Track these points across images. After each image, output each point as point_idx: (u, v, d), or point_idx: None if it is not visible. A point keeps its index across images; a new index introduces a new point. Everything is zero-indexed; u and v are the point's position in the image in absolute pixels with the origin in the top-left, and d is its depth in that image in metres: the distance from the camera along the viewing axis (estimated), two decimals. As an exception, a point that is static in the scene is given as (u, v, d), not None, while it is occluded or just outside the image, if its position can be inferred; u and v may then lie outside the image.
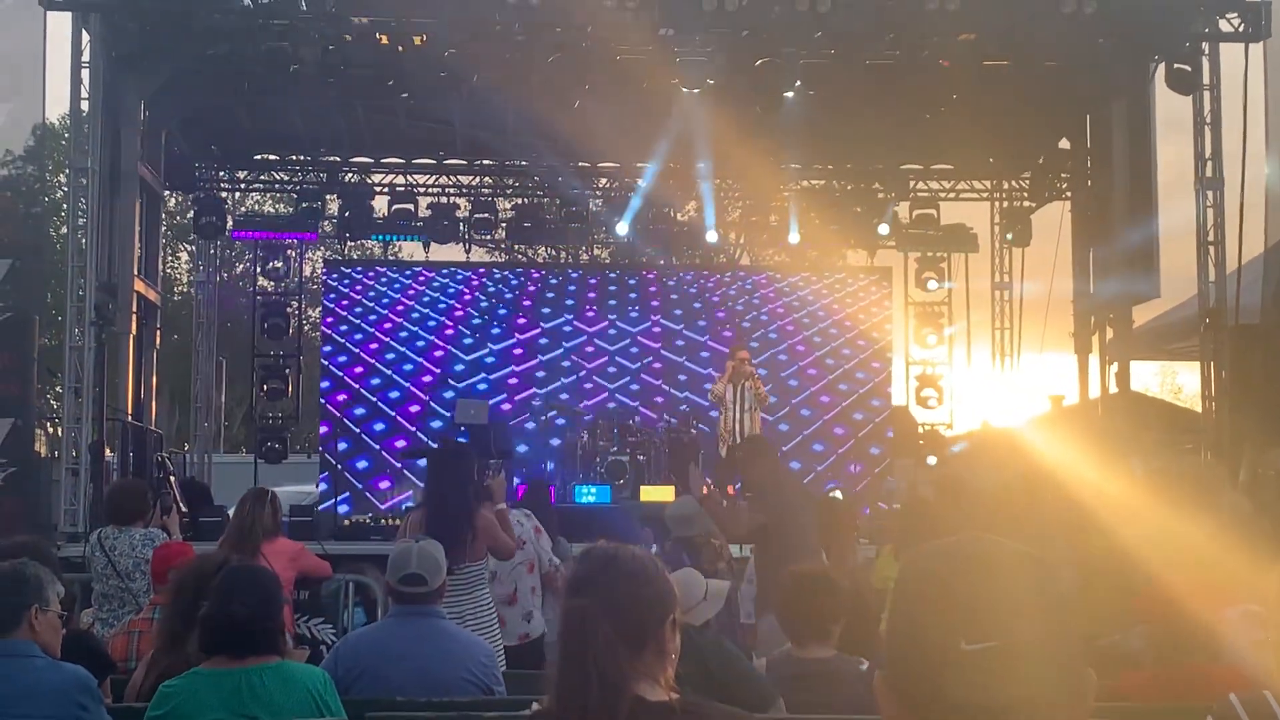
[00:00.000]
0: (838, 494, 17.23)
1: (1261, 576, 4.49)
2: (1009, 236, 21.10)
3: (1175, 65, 15.34)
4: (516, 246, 29.22)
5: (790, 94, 15.77)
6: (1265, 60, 14.49)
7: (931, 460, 18.53)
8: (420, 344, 20.76)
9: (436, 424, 19.72)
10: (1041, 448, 15.22)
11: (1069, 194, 19.56)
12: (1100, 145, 17.91)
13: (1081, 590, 6.74)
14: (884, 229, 20.57)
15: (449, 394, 19.91)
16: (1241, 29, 14.94)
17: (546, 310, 21.12)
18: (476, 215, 21.24)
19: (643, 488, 16.29)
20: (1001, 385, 21.65)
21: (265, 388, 20.69)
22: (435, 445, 16.58)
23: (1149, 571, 6.29)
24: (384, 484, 19.75)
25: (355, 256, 31.91)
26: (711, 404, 16.55)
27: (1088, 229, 18.61)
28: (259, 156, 21.72)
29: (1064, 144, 19.63)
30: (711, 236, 21.83)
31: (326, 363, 20.86)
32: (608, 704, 2.72)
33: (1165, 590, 5.65)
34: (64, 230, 20.46)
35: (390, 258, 27.28)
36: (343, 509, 18.67)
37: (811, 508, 9.04)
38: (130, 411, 16.31)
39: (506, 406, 19.93)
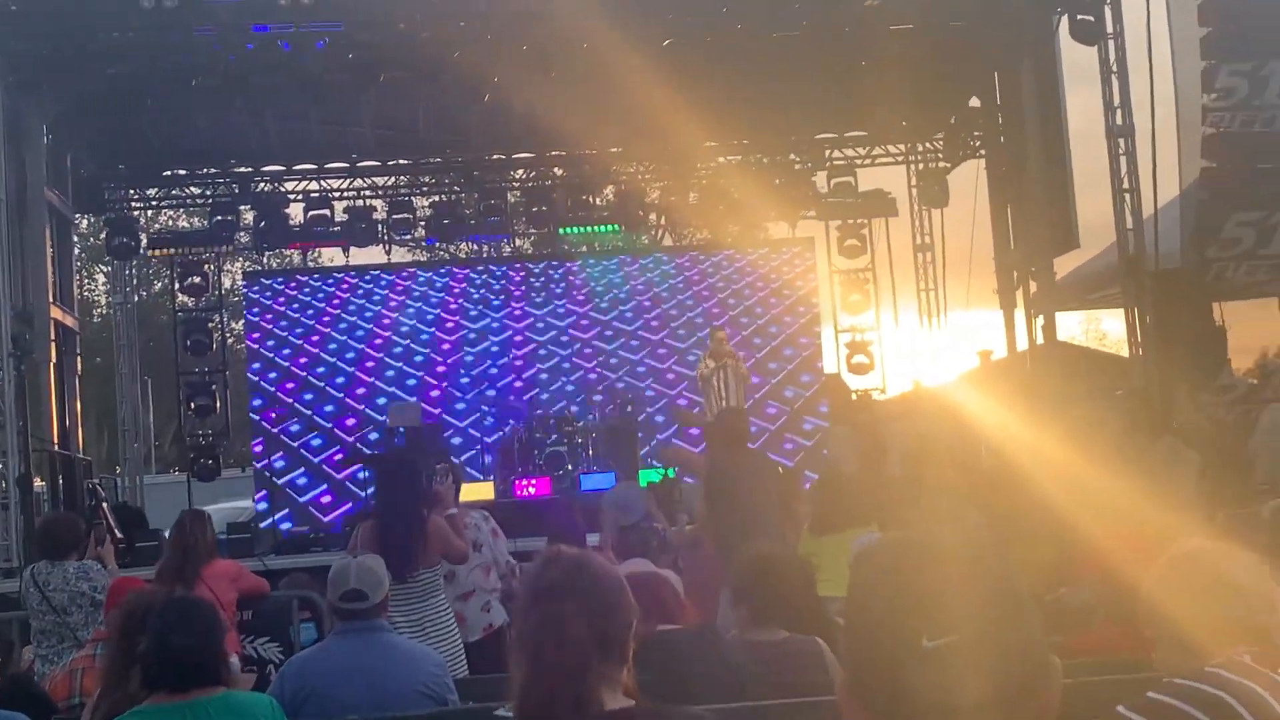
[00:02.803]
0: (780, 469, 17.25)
1: (1189, 528, 4.51)
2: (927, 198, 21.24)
3: (1078, 16, 15.46)
4: (438, 244, 29.01)
5: (667, 42, 15.63)
6: (1167, 4, 14.58)
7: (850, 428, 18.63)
8: (350, 355, 20.62)
9: (374, 435, 19.57)
10: (973, 404, 15.32)
11: (983, 152, 19.68)
12: (1010, 101, 18.01)
13: (1025, 545, 6.77)
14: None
15: (382, 401, 19.78)
16: (1141, -25, 15.05)
17: (472, 309, 21.02)
18: (394, 215, 21.04)
19: (582, 476, 16.25)
20: (930, 345, 21.78)
21: (193, 405, 20.42)
22: (374, 453, 16.46)
23: (1084, 525, 6.32)
24: (325, 498, 19.58)
25: (274, 266, 31.54)
26: (698, 386, 16.51)
27: (1004, 185, 18.72)
28: (168, 172, 21.41)
29: (975, 103, 19.74)
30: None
31: (257, 379, 20.65)
32: (577, 711, 2.67)
33: (1102, 544, 5.67)
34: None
35: (310, 264, 26.95)
36: (284, 525, 18.52)
37: (771, 490, 9.01)
38: (56, 440, 16.05)
39: (438, 410, 19.79)
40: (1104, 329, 43.01)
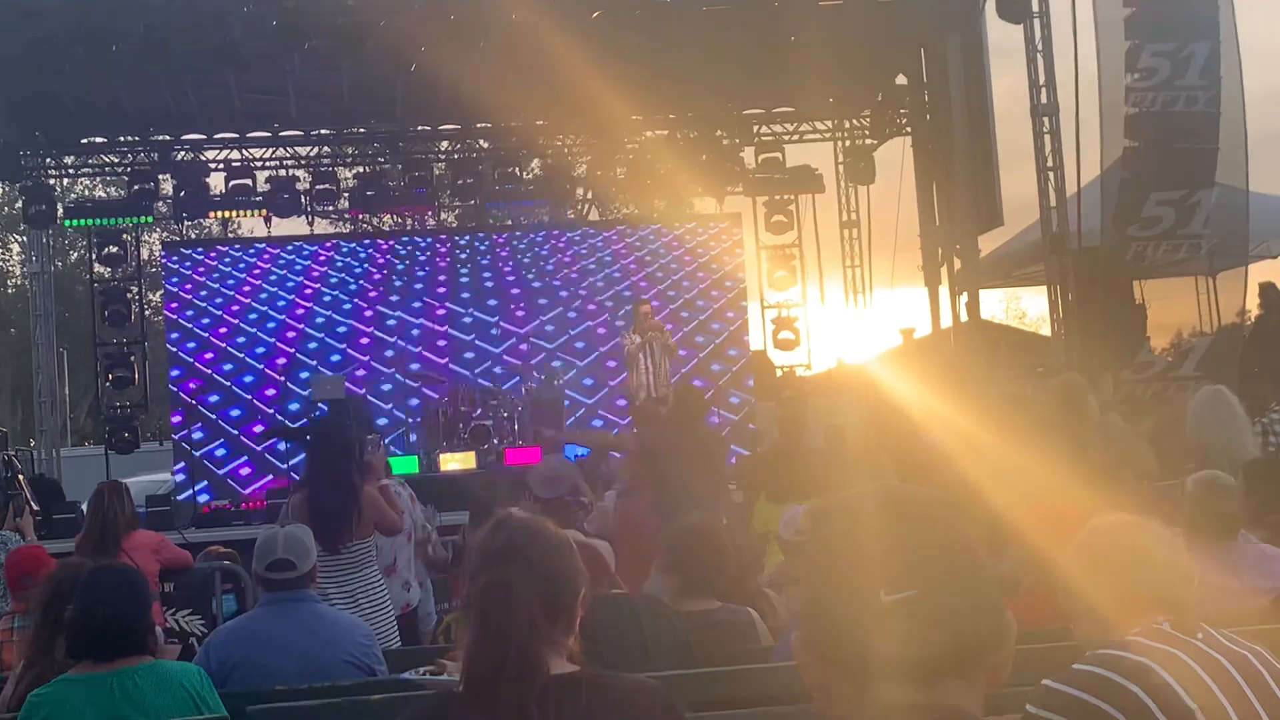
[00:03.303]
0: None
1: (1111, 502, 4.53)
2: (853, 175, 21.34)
3: (1005, -5, 15.55)
4: (361, 216, 28.77)
5: (596, 14, 15.57)
6: (1092, -16, 14.73)
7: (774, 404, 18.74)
8: (271, 325, 20.40)
9: (295, 406, 19.40)
10: (892, 382, 15.42)
11: (909, 129, 19.78)
12: (936, 79, 18.12)
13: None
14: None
15: (304, 374, 19.61)
16: (1066, -45, 15.16)
17: (396, 281, 20.88)
18: (318, 186, 20.76)
19: (507, 449, 16.19)
20: (855, 322, 21.90)
21: (111, 377, 20.13)
22: (296, 426, 16.31)
23: (1006, 499, 6.36)
24: (244, 470, 19.38)
25: (194, 237, 31.15)
26: (625, 362, 16.49)
27: (929, 163, 18.83)
28: (86, 139, 21.03)
29: (901, 80, 19.82)
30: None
31: (175, 349, 20.38)
32: (523, 677, 2.66)
33: (1025, 517, 5.71)
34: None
35: (231, 235, 26.62)
36: (202, 498, 18.31)
37: (716, 469, 9.02)
38: (-29, 412, 15.76)
39: (363, 389, 19.63)
40: (1024, 307, 43.58)
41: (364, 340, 20.43)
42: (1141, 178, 14.69)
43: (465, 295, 20.79)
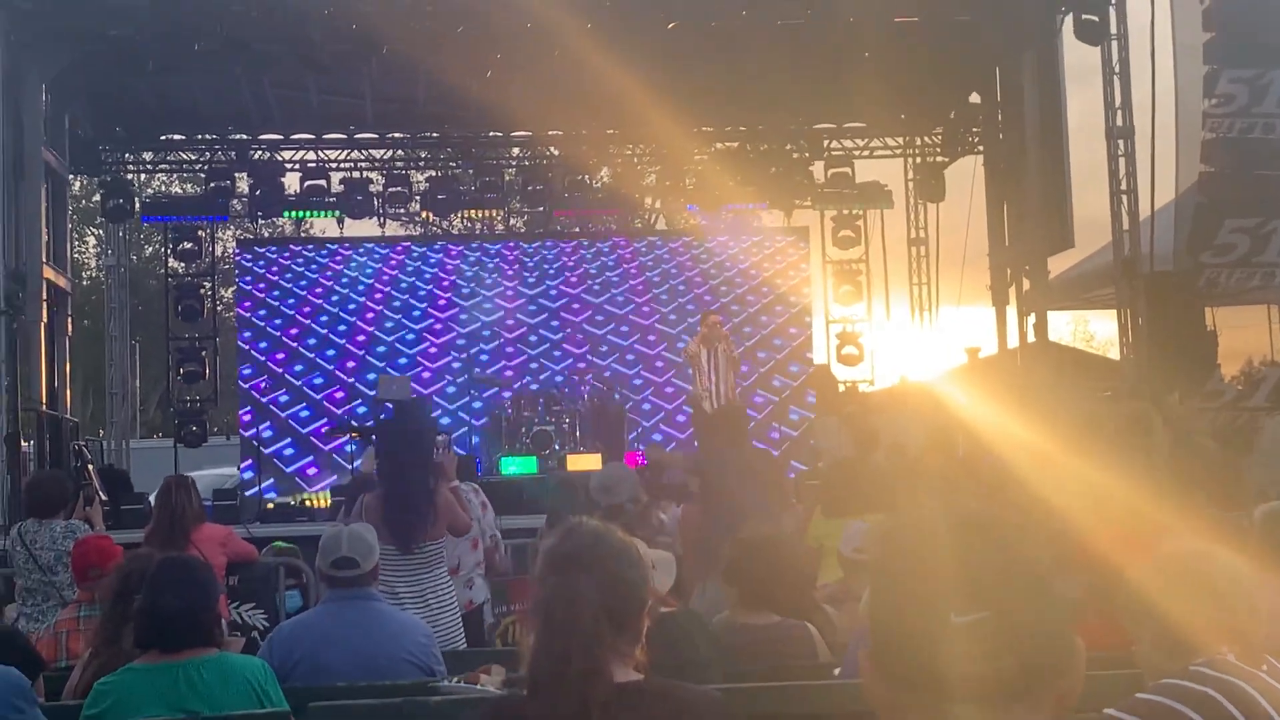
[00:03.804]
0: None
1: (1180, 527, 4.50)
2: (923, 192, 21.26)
3: (1083, 16, 15.45)
4: (431, 220, 28.96)
5: (671, 25, 15.61)
6: (1172, 8, 14.60)
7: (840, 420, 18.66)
8: (342, 328, 20.61)
9: (362, 409, 19.58)
10: (957, 400, 15.33)
11: (981, 148, 19.68)
12: (1010, 98, 18.01)
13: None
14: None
15: (372, 376, 19.78)
16: (1147, -23, 15.04)
17: (465, 287, 21.00)
18: (390, 189, 20.97)
19: (569, 456, 16.24)
20: (920, 340, 21.79)
21: (181, 371, 20.39)
22: (380, 422, 16.35)
23: (1074, 520, 6.32)
24: (311, 469, 19.57)
25: (268, 235, 31.47)
26: (685, 362, 16.51)
27: (1001, 181, 18.73)
28: (165, 136, 21.33)
29: (974, 98, 19.74)
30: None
31: (248, 348, 20.63)
32: (586, 683, 2.68)
33: (1092, 539, 5.66)
34: (-33, 219, 19.95)
35: (304, 234, 26.87)
36: (269, 495, 18.52)
37: (766, 485, 9.02)
38: (45, 401, 16.01)
39: (430, 391, 19.79)
40: (1092, 330, 43.13)
41: (431, 343, 20.57)
42: (1217, 204, 14.53)
43: (532, 306, 20.90)
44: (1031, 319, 17.49)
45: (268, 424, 19.84)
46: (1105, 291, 17.24)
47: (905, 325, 22.05)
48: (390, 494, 7.82)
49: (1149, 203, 15.34)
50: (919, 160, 21.44)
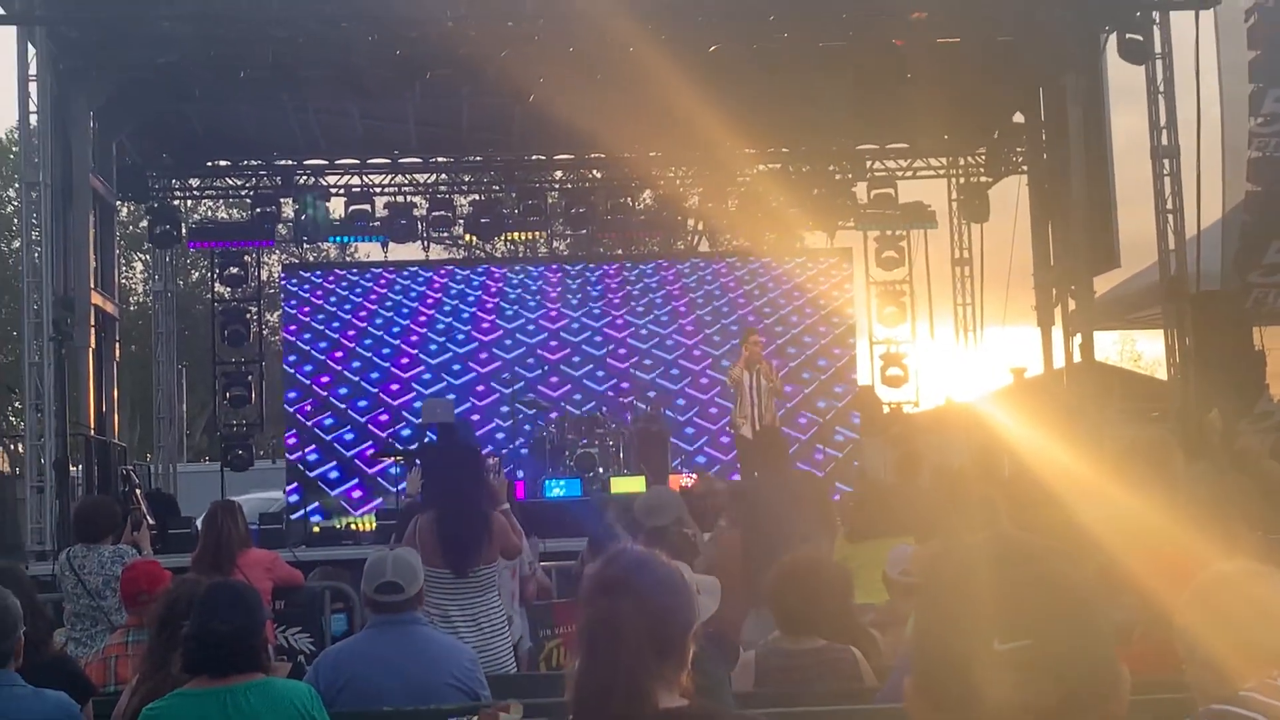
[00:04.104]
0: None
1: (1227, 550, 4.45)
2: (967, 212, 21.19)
3: (1127, 35, 15.37)
4: (475, 243, 29.10)
5: (713, 48, 15.61)
6: (1216, 27, 14.54)
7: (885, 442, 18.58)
8: (386, 351, 20.71)
9: (407, 431, 19.66)
10: (1002, 421, 15.24)
11: (1025, 168, 19.61)
12: (1054, 118, 17.93)
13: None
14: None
15: (418, 402, 19.87)
16: (1191, -3, 14.98)
17: (508, 309, 21.07)
18: (434, 213, 21.08)
19: (613, 479, 16.23)
20: (965, 360, 21.71)
21: (228, 395, 20.54)
22: (431, 445, 16.35)
23: (1112, 546, 6.27)
24: (356, 492, 19.66)
25: (312, 260, 31.72)
26: (729, 388, 16.43)
27: (1045, 201, 18.64)
28: (211, 163, 21.53)
29: (1018, 118, 19.68)
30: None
31: (292, 371, 20.76)
32: (631, 710, 2.67)
33: (1140, 563, 5.61)
34: (16, 246, 20.22)
35: (348, 259, 27.07)
36: (314, 518, 18.61)
37: (809, 509, 8.98)
38: (93, 425, 16.15)
39: (476, 416, 19.89)
40: (1139, 350, 42.84)
41: (474, 367, 20.64)
42: (1263, 223, 14.45)
43: (575, 324, 20.93)
44: (1077, 339, 17.39)
45: (313, 447, 19.94)
46: (1152, 311, 17.14)
47: (950, 346, 21.99)
48: (444, 517, 7.81)
49: (1195, 221, 15.26)
50: (962, 180, 21.38)
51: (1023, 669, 1.61)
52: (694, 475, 15.87)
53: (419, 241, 21.19)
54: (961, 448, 15.98)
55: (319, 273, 22.36)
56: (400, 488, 15.57)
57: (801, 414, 20.30)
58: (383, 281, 21.37)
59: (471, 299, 21.27)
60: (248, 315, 20.98)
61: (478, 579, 7.68)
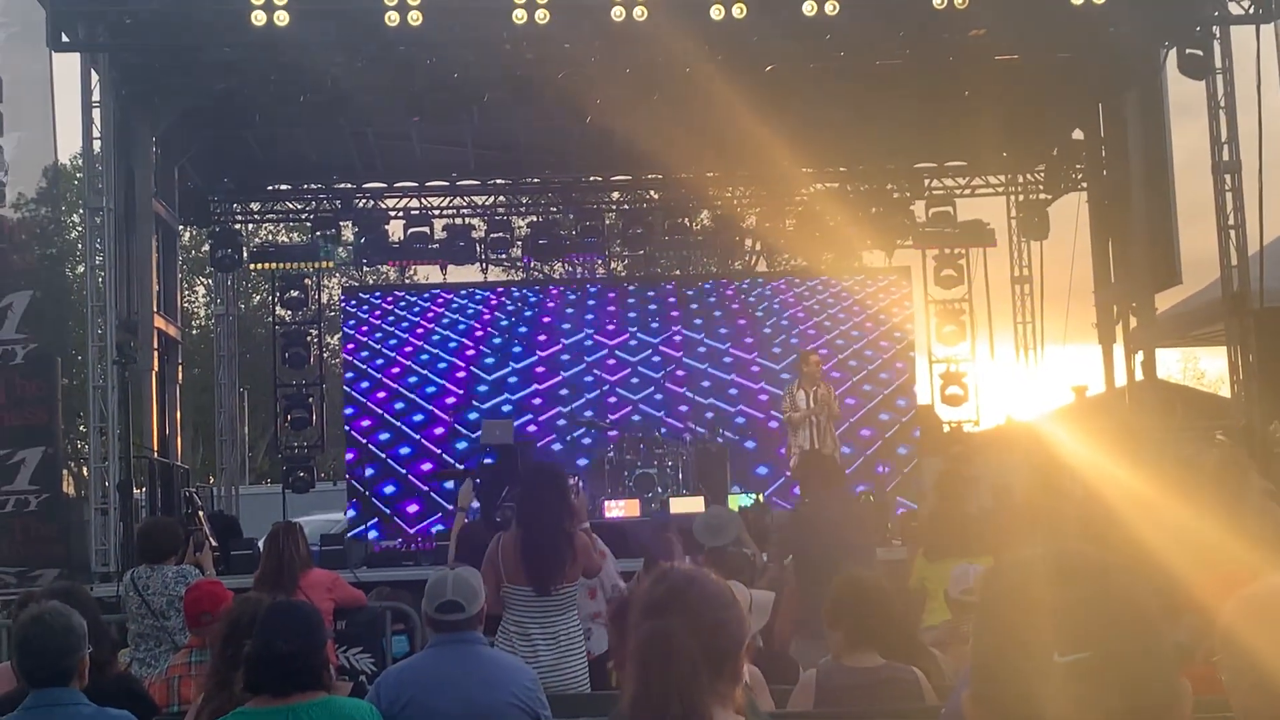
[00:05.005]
0: (870, 497, 17.20)
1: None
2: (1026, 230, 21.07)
3: (1187, 50, 15.23)
4: (533, 264, 29.24)
5: (769, 68, 15.60)
6: (1278, 40, 14.38)
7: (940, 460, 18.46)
8: (442, 366, 20.78)
9: (461, 445, 19.73)
10: (1063, 440, 15.11)
11: (1084, 185, 19.44)
12: (1114, 134, 17.80)
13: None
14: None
15: (473, 415, 19.96)
16: (1252, 11, 14.81)
17: (566, 326, 21.12)
18: (492, 235, 21.18)
19: (672, 499, 16.21)
20: (1026, 379, 21.54)
21: (289, 417, 20.68)
22: (470, 466, 16.40)
23: (1176, 566, 6.20)
24: (412, 508, 19.74)
25: (372, 282, 31.92)
26: (779, 415, 16.33)
27: (1105, 218, 18.48)
28: (272, 187, 21.77)
29: (1077, 135, 19.53)
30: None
31: (349, 389, 20.89)
32: None
33: (1201, 583, 5.55)
34: (80, 270, 20.47)
35: (408, 280, 27.25)
36: (372, 534, 18.69)
37: (860, 524, 8.95)
38: (156, 448, 16.32)
39: (532, 428, 19.94)
40: (1202, 367, 42.41)
41: (533, 385, 20.69)
42: (1327, 237, 14.28)
43: (633, 342, 20.95)
44: (1139, 357, 17.21)
45: (370, 464, 20.06)
46: (1215, 328, 16.96)
47: (1010, 364, 21.83)
48: (528, 535, 7.80)
49: (1258, 237, 15.09)
50: (1021, 198, 21.24)
51: (1084, 681, 1.60)
52: (754, 496, 15.84)
53: (477, 263, 21.29)
54: (1022, 467, 15.87)
55: (378, 294, 22.51)
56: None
57: (864, 428, 20.20)
58: (440, 301, 21.48)
59: (529, 315, 21.35)
60: (308, 338, 21.13)
61: (560, 597, 7.69)
